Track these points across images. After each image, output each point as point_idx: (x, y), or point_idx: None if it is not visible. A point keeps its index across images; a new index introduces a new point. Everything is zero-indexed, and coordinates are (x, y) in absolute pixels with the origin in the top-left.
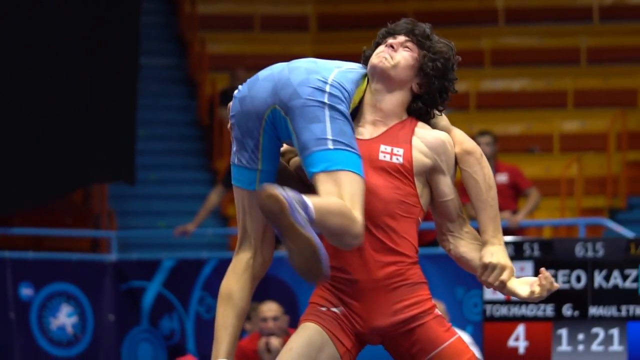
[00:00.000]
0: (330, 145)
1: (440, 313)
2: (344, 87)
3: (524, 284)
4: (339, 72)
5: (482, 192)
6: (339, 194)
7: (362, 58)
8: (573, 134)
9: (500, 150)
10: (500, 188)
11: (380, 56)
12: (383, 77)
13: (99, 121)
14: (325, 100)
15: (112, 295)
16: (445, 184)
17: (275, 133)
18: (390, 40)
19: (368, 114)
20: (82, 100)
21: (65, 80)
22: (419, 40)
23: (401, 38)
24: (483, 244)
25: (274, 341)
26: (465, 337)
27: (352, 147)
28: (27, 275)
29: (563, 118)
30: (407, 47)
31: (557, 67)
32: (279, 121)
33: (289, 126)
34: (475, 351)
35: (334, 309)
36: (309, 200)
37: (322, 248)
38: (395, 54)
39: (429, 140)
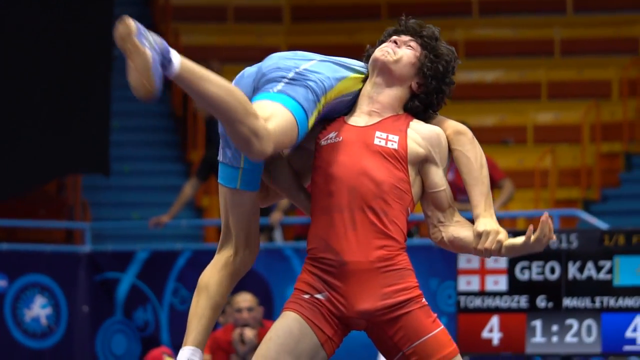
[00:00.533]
0: (273, 89)
1: (426, 303)
2: (317, 77)
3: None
4: (320, 63)
5: (475, 169)
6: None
7: (364, 56)
8: (547, 126)
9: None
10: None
11: (384, 50)
12: (384, 71)
13: (73, 112)
14: (288, 76)
15: (86, 287)
16: (438, 175)
17: None
18: (395, 37)
19: (364, 105)
20: (56, 92)
21: (38, 72)
22: (424, 42)
23: (406, 37)
24: (475, 218)
25: (248, 332)
26: None
27: (297, 99)
28: (1, 266)
29: (537, 109)
30: (410, 45)
31: (530, 58)
32: None
33: None
34: None
35: (318, 295)
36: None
37: (157, 67)
38: (398, 50)
39: (424, 132)
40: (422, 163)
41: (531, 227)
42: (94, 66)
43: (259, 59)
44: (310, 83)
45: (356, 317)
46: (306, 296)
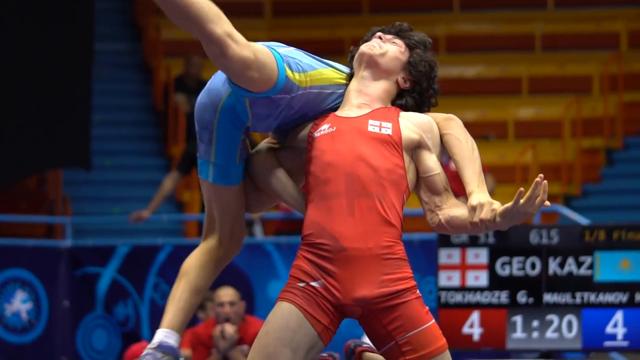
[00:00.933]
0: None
1: (420, 294)
2: (294, 59)
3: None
4: (297, 51)
5: (466, 150)
6: None
7: (349, 57)
8: (528, 121)
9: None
10: (455, 174)
11: (369, 45)
12: (370, 64)
13: (55, 107)
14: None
15: (66, 282)
16: (431, 160)
17: (232, 126)
18: (380, 34)
19: (353, 99)
20: (37, 86)
21: (20, 67)
22: (408, 40)
23: (390, 35)
24: (468, 195)
25: (229, 328)
26: None
27: (276, 49)
28: None
29: (518, 105)
30: (395, 42)
31: (511, 53)
32: (236, 102)
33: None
34: None
35: (314, 283)
36: None
37: None
38: (384, 45)
39: (415, 119)
40: (415, 149)
41: (521, 189)
42: (75, 61)
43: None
44: (288, 59)
45: (352, 305)
46: (301, 284)
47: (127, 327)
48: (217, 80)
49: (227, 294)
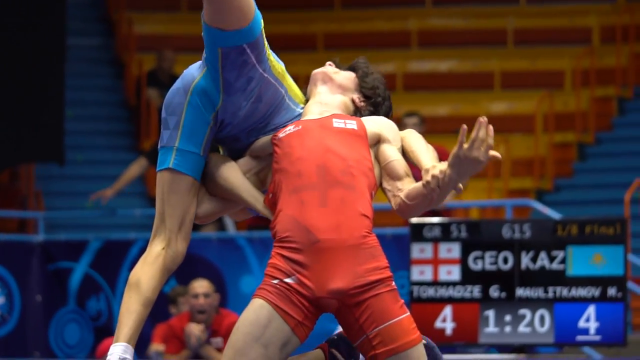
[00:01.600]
0: None
1: (395, 287)
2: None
3: None
4: None
5: (422, 144)
6: None
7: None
8: (500, 116)
9: (428, 131)
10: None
11: (321, 67)
12: (325, 80)
13: (28, 102)
14: None
15: (39, 276)
16: (391, 149)
17: (202, 109)
18: (330, 62)
19: (314, 109)
20: (10, 81)
21: None
22: (358, 67)
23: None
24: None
25: (195, 330)
26: None
27: None
28: None
29: (490, 99)
30: (346, 69)
31: (484, 48)
32: (209, 80)
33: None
34: None
35: (287, 280)
36: None
37: None
38: (336, 68)
39: (375, 119)
40: (377, 143)
41: (464, 126)
42: (48, 56)
43: None
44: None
45: (327, 297)
46: (275, 281)
47: (100, 321)
48: (192, 67)
49: (201, 285)
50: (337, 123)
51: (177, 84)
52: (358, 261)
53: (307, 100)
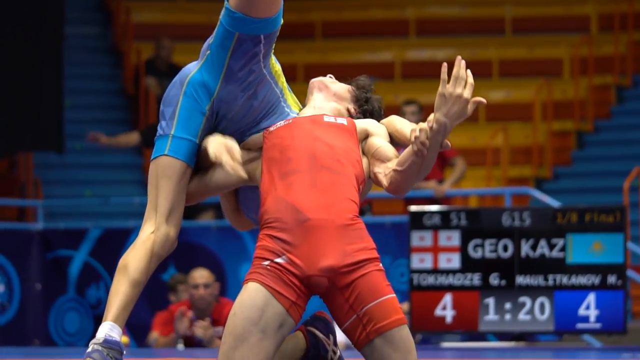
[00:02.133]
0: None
1: (383, 268)
2: None
3: None
4: None
5: (407, 123)
6: None
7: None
8: (498, 104)
9: (426, 119)
10: None
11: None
12: (321, 88)
13: (26, 90)
14: None
15: (38, 264)
16: (379, 139)
17: (197, 99)
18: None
19: (307, 112)
20: (9, 70)
21: None
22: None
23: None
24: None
25: (199, 330)
26: None
27: None
28: None
29: (488, 88)
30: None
31: (482, 36)
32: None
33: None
34: None
35: (278, 260)
36: None
37: None
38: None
39: (365, 119)
40: (366, 139)
41: (445, 64)
42: (45, 44)
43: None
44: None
45: (318, 275)
46: (265, 263)
47: (99, 309)
48: (189, 64)
49: (201, 275)
50: (328, 118)
51: (175, 78)
52: (347, 240)
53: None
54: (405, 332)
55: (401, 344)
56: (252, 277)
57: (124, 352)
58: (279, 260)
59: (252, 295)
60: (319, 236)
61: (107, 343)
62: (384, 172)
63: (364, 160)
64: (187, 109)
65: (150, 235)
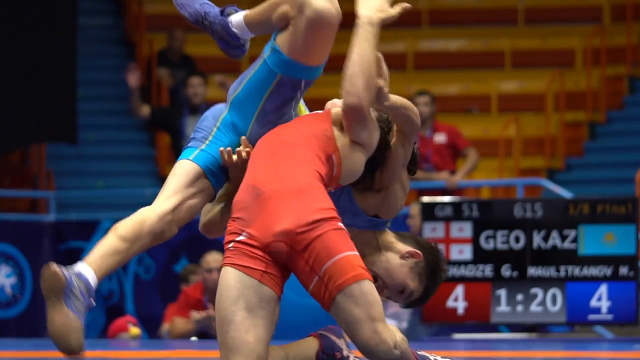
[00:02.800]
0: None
1: (343, 227)
2: None
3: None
4: None
5: None
6: None
7: None
8: (511, 95)
9: (439, 110)
10: (439, 148)
11: None
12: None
13: (40, 82)
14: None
15: (50, 256)
16: None
17: (228, 140)
18: None
19: None
20: (22, 61)
21: (4, 43)
22: None
23: None
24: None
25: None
26: None
27: None
28: None
29: (501, 78)
30: None
31: (494, 27)
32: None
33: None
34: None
35: (239, 238)
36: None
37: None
38: None
39: None
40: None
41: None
42: (59, 36)
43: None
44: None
45: (275, 241)
46: (230, 246)
47: (111, 301)
48: (218, 105)
49: (215, 259)
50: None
51: (206, 113)
52: (302, 204)
53: None
54: (365, 286)
55: (362, 298)
56: (223, 262)
57: (93, 292)
58: (239, 238)
59: (225, 278)
60: (274, 205)
61: (80, 276)
62: None
63: (340, 139)
64: (219, 138)
65: (149, 213)
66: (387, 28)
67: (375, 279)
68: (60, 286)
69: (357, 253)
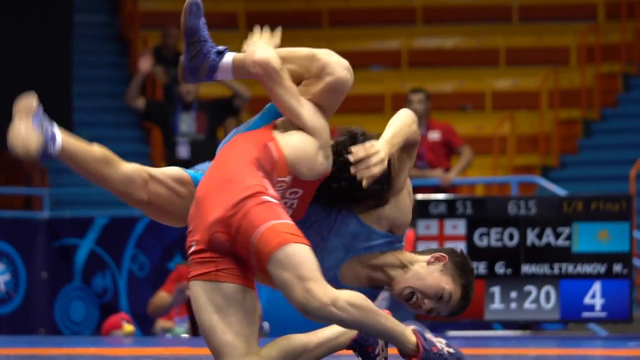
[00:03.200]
0: None
1: (269, 200)
2: None
3: None
4: None
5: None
6: None
7: None
8: (505, 92)
9: (433, 108)
10: (433, 145)
11: None
12: None
13: (34, 78)
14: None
15: (44, 253)
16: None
17: None
18: None
19: None
20: (17, 58)
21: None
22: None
23: None
24: None
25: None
26: None
27: None
28: None
29: (495, 76)
30: None
31: (489, 24)
32: None
33: None
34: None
35: (191, 250)
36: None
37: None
38: None
39: None
40: None
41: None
42: (55, 33)
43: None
44: None
45: (213, 233)
46: (189, 260)
47: (105, 298)
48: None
49: None
50: None
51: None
52: (229, 189)
53: None
54: (289, 249)
55: (287, 261)
56: (187, 279)
57: (57, 146)
58: (191, 250)
59: (192, 293)
60: (207, 202)
61: (50, 123)
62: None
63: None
64: None
65: (132, 164)
66: (382, 25)
67: (412, 294)
68: (33, 109)
69: (283, 220)
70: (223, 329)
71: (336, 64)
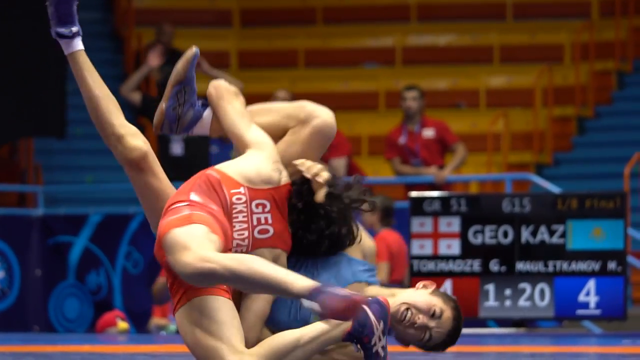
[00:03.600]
0: None
1: (179, 205)
2: None
3: None
4: None
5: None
6: None
7: None
8: (499, 90)
9: (427, 105)
10: (427, 143)
11: None
12: None
13: (29, 76)
14: None
15: (39, 250)
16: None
17: None
18: None
19: None
20: (11, 56)
21: None
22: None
23: None
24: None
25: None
26: None
27: None
28: None
29: (489, 73)
30: None
31: (483, 22)
32: None
33: None
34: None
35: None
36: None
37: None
38: None
39: None
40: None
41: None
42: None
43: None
44: None
45: (158, 258)
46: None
47: (99, 295)
48: None
49: None
50: None
51: None
52: (162, 217)
53: None
54: (168, 236)
55: (168, 243)
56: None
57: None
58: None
59: (178, 326)
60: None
61: None
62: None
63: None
64: None
65: (117, 122)
66: (376, 22)
67: (407, 310)
68: None
69: (182, 214)
70: (204, 337)
71: (323, 110)
